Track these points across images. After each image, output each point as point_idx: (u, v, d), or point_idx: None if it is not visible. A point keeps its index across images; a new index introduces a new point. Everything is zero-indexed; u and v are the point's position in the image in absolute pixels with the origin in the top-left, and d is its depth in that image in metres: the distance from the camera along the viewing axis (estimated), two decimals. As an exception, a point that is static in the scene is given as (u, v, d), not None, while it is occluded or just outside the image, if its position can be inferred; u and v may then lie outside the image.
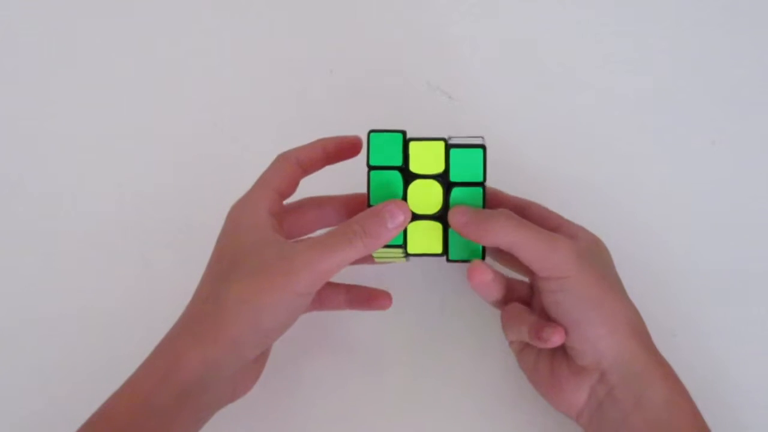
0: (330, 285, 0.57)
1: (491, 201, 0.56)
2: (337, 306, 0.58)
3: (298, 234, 0.57)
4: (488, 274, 0.53)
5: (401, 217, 0.51)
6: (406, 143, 0.53)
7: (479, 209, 0.52)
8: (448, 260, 0.54)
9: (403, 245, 0.53)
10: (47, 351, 0.61)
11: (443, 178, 0.53)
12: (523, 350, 0.55)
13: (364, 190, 0.54)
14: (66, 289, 0.63)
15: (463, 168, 0.53)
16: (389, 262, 0.56)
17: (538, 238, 0.50)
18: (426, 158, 0.53)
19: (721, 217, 0.65)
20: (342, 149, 0.56)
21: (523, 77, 0.70)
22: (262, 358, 0.54)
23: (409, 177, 0.53)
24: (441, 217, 0.53)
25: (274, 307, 0.50)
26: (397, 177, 0.53)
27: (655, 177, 0.66)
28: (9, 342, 0.62)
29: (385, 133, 0.53)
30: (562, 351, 0.53)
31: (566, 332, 0.51)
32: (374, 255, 0.55)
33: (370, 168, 0.53)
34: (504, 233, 0.50)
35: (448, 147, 0.53)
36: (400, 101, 0.68)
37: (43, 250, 0.65)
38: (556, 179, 0.66)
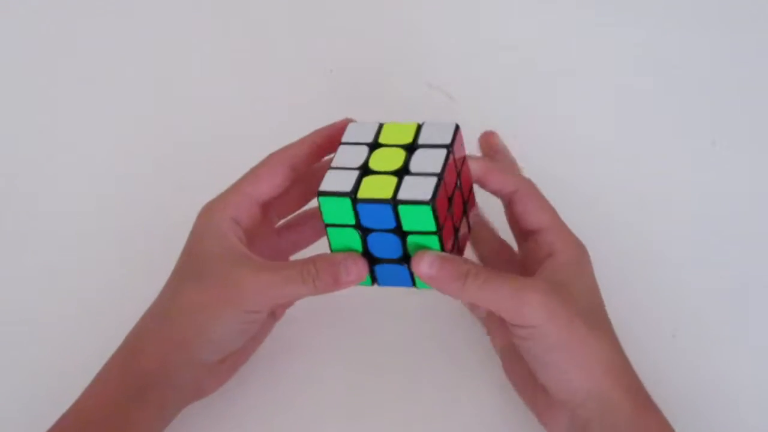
0: None
1: (484, 177, 0.53)
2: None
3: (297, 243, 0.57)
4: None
5: (353, 276, 0.49)
6: (355, 205, 0.49)
7: (446, 258, 0.49)
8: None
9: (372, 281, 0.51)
10: (42, 351, 0.61)
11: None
12: (507, 358, 0.55)
13: None
14: (62, 290, 0.63)
15: (415, 221, 0.49)
16: None
17: (505, 296, 0.48)
18: (394, 137, 0.50)
19: (721, 217, 0.65)
20: (334, 139, 0.54)
21: (523, 77, 0.70)
22: (232, 360, 0.54)
23: (364, 230, 0.50)
24: (400, 231, 0.50)
25: (221, 320, 0.50)
26: (353, 232, 0.50)
27: (655, 177, 0.66)
28: (5, 343, 0.62)
29: (333, 197, 0.49)
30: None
31: (538, 373, 0.50)
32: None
33: (326, 225, 0.50)
34: (470, 295, 0.49)
35: (396, 199, 0.48)
36: (400, 101, 0.68)
37: (42, 249, 0.65)
38: (556, 179, 0.66)
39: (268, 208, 0.55)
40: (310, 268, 0.49)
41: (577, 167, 0.66)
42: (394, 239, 0.49)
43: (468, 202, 0.53)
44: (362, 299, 0.59)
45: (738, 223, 0.64)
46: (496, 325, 0.55)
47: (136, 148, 0.68)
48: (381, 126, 0.51)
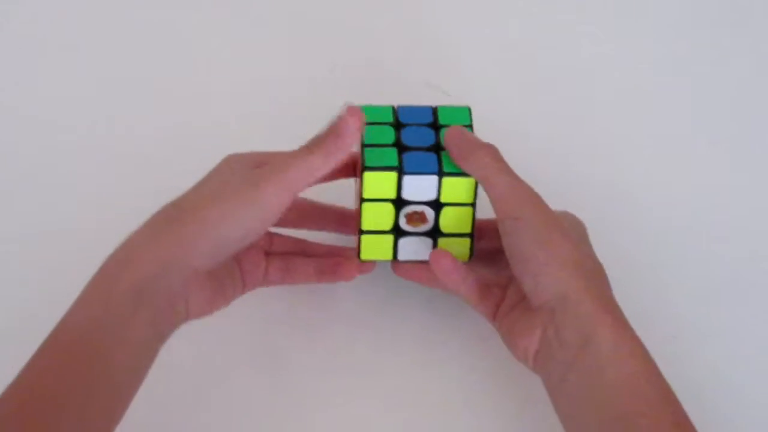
0: (301, 258, 0.58)
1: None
2: (306, 277, 0.58)
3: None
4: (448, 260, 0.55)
5: (354, 119, 0.52)
6: (396, 107, 0.56)
7: (473, 136, 0.55)
8: (441, 173, 0.54)
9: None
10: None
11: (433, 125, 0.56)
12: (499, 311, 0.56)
13: None
14: (67, 286, 0.63)
15: (451, 118, 0.56)
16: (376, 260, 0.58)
17: (506, 179, 0.53)
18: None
19: (721, 218, 0.65)
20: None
21: (523, 77, 0.70)
22: (217, 282, 0.53)
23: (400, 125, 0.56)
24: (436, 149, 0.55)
25: (235, 214, 0.50)
26: (388, 128, 0.55)
27: (654, 177, 0.66)
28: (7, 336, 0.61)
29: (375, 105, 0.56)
30: (524, 298, 0.53)
31: (520, 272, 0.52)
32: (362, 253, 0.56)
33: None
34: (480, 168, 0.53)
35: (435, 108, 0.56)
36: (399, 100, 0.68)
37: (44, 248, 0.64)
38: (556, 177, 0.66)
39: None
40: (312, 140, 0.52)
41: (577, 167, 0.66)
42: (428, 132, 0.55)
43: None
44: (362, 295, 0.59)
45: (738, 224, 0.64)
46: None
47: (135, 149, 0.68)
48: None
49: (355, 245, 0.57)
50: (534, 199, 0.53)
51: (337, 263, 0.58)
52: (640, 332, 0.53)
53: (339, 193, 0.58)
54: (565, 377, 0.50)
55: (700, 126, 0.68)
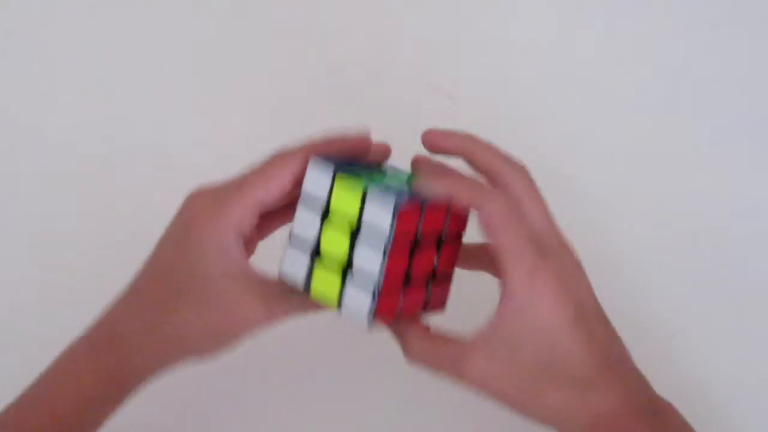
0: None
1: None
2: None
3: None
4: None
5: None
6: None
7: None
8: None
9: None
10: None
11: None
12: None
13: None
14: (66, 286, 0.63)
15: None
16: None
17: (447, 366, 0.46)
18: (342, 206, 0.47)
19: (720, 218, 0.65)
20: (355, 150, 0.49)
21: (523, 78, 0.70)
22: None
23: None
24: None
25: (222, 342, 0.49)
26: None
27: (654, 177, 0.66)
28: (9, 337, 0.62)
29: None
30: None
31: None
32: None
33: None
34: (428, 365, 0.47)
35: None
36: (400, 102, 0.68)
37: (44, 248, 0.64)
38: (556, 179, 0.66)
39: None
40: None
41: (579, 167, 0.66)
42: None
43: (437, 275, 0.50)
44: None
45: (738, 223, 0.64)
46: None
47: (131, 149, 0.68)
48: (333, 181, 0.46)
49: None
50: (477, 371, 0.45)
51: None
52: (640, 332, 0.53)
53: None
54: None
55: (700, 126, 0.68)
